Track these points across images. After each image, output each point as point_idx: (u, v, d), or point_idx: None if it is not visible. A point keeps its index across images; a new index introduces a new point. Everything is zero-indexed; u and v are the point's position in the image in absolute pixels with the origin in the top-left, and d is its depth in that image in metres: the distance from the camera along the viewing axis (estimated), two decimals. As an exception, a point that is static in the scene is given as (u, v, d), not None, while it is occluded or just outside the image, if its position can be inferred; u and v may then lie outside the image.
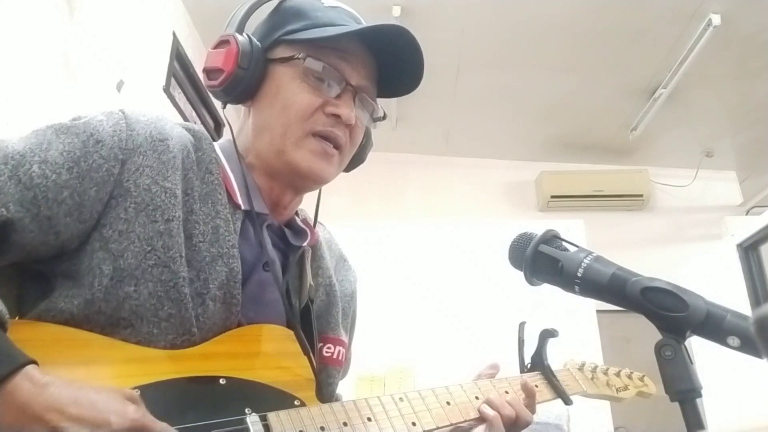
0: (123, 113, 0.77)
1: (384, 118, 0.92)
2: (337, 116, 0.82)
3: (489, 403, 0.88)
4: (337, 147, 0.84)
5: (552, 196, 4.20)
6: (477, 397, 0.89)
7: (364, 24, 0.88)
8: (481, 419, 0.88)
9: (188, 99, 3.13)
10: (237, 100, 0.86)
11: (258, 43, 0.84)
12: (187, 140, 0.81)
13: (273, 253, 0.84)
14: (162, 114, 0.82)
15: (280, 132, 0.82)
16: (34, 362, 0.57)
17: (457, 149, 4.29)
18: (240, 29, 0.84)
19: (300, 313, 0.87)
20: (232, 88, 0.83)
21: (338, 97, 0.83)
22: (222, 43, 0.84)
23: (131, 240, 0.70)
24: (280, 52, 0.85)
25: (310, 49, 0.83)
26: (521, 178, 4.34)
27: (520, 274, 0.79)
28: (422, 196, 4.22)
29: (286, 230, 0.88)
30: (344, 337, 0.93)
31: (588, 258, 0.73)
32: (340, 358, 0.91)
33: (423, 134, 4.12)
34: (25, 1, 1.88)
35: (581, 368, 1.10)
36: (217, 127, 3.44)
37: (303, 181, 0.86)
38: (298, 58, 0.82)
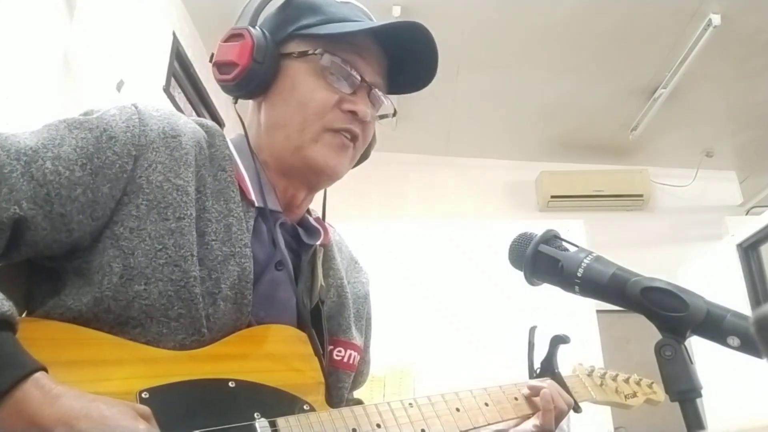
0: (136, 108, 0.76)
1: (394, 114, 0.92)
2: (353, 113, 0.82)
3: (543, 396, 0.92)
4: (352, 139, 0.85)
5: (552, 196, 4.20)
6: (486, 404, 0.89)
7: (375, 21, 0.88)
8: (526, 416, 0.92)
9: (188, 99, 3.13)
10: (250, 95, 0.85)
11: (271, 37, 0.83)
12: (201, 136, 0.80)
13: (286, 252, 0.83)
14: (174, 109, 0.81)
15: (297, 129, 0.82)
16: (44, 369, 0.56)
17: (457, 149, 4.29)
18: (253, 22, 0.83)
19: (310, 313, 0.86)
20: (246, 82, 0.82)
21: (353, 93, 0.83)
22: (235, 36, 0.83)
23: (142, 238, 0.69)
24: (295, 46, 0.84)
25: (327, 45, 0.82)
26: (521, 178, 4.34)
27: (520, 274, 0.79)
28: (422, 196, 4.22)
29: (299, 229, 0.87)
30: (357, 341, 0.91)
31: (588, 258, 0.73)
32: (351, 362, 0.89)
33: (423, 134, 4.12)
34: (25, 1, 1.88)
35: (590, 374, 1.09)
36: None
37: (317, 177, 0.85)
38: (314, 54, 0.82)
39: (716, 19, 2.94)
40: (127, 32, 2.47)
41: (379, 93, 0.87)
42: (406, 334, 3.63)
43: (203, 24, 3.20)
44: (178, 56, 2.97)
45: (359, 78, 0.83)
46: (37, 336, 0.61)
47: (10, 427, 0.53)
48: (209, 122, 0.85)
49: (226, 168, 0.80)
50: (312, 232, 0.89)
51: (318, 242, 0.88)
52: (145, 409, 0.59)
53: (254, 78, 0.82)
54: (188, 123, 0.80)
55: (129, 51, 2.47)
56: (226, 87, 0.84)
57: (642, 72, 3.45)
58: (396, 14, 2.98)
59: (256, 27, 0.83)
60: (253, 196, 0.80)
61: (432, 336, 3.62)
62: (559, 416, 0.93)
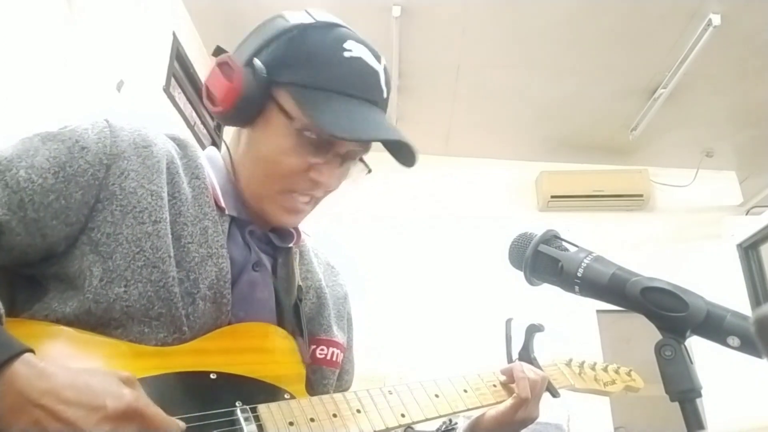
0: (107, 122, 0.78)
1: (369, 172, 0.89)
2: (317, 182, 0.81)
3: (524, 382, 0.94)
4: (309, 201, 0.85)
5: (552, 196, 4.20)
6: (465, 390, 0.91)
7: (381, 74, 0.83)
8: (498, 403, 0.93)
9: (188, 99, 3.13)
10: (232, 125, 0.86)
11: (265, 76, 0.79)
12: (171, 146, 0.83)
13: (261, 255, 0.85)
14: (146, 123, 0.83)
15: (260, 180, 0.83)
16: (31, 350, 0.58)
17: (457, 149, 4.29)
18: (249, 60, 0.79)
19: (290, 312, 0.88)
20: (225, 120, 0.83)
21: (324, 162, 0.81)
22: (227, 66, 0.80)
23: (119, 242, 0.71)
24: (283, 98, 0.79)
25: (309, 120, 0.77)
26: (521, 178, 4.34)
27: (520, 274, 0.79)
28: (422, 196, 4.22)
29: (271, 234, 0.89)
30: (339, 339, 0.94)
31: (588, 258, 0.73)
32: (335, 359, 0.91)
33: (423, 134, 4.12)
34: (25, 1, 1.88)
35: (569, 364, 1.13)
36: (217, 127, 3.44)
37: (272, 224, 0.88)
38: (297, 128, 0.78)
39: (716, 19, 2.93)
40: (127, 32, 2.47)
41: (354, 157, 0.85)
42: (406, 334, 3.64)
43: (203, 24, 3.20)
44: (178, 56, 2.97)
45: (333, 151, 0.81)
46: (21, 334, 0.62)
47: (1, 403, 0.55)
48: (179, 135, 0.88)
49: (199, 176, 0.82)
50: (284, 235, 0.91)
51: (290, 244, 0.90)
52: (129, 375, 0.61)
53: (233, 120, 0.83)
54: (159, 135, 0.83)
55: (129, 51, 2.47)
56: (209, 111, 0.85)
57: (642, 72, 3.45)
58: (396, 14, 2.98)
59: (253, 63, 0.79)
60: (223, 204, 0.83)
61: (432, 336, 3.62)
62: (533, 387, 0.95)
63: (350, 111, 0.78)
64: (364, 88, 0.81)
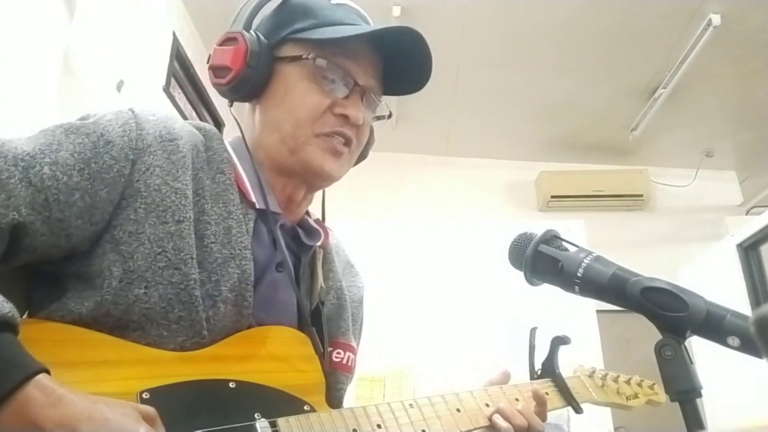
0: (132, 112, 0.76)
1: (389, 116, 0.92)
2: (345, 116, 0.82)
3: (500, 413, 0.86)
4: (346, 144, 0.84)
5: (552, 196, 4.20)
6: (487, 404, 0.88)
7: (371, 23, 0.88)
8: (492, 427, 0.86)
9: (188, 99, 3.13)
10: (244, 98, 0.86)
11: (265, 40, 0.83)
12: (198, 140, 0.80)
13: (286, 254, 0.83)
14: (171, 113, 0.82)
15: (290, 133, 0.82)
16: (46, 370, 0.56)
17: (457, 149, 4.29)
18: (247, 26, 0.83)
19: (310, 315, 0.86)
20: (240, 86, 0.82)
21: (346, 97, 0.83)
22: (229, 40, 0.83)
23: (141, 241, 0.69)
24: (288, 50, 0.83)
25: (319, 49, 0.82)
26: (521, 178, 4.34)
27: (520, 274, 0.79)
28: (422, 196, 4.22)
29: (299, 230, 0.87)
30: (354, 343, 0.92)
31: (588, 258, 0.73)
32: (349, 364, 0.89)
33: (423, 134, 4.12)
34: (25, 1, 1.88)
35: (591, 375, 1.08)
36: (217, 128, 3.44)
37: (314, 178, 0.85)
38: (306, 58, 0.82)
39: (716, 19, 2.93)
40: (127, 32, 2.47)
41: (373, 96, 0.87)
42: (406, 335, 3.63)
43: (203, 24, 3.20)
44: (178, 56, 2.97)
45: (352, 81, 0.83)
46: (38, 337, 0.61)
47: (11, 430, 0.53)
48: (206, 125, 0.85)
49: (225, 171, 0.80)
50: (311, 233, 0.89)
51: (318, 243, 0.88)
52: (150, 409, 0.59)
53: (248, 82, 0.82)
54: (185, 126, 0.80)
55: (129, 51, 2.47)
56: (220, 90, 0.85)
57: (642, 72, 3.45)
58: (396, 14, 2.98)
59: (251, 31, 0.83)
60: (253, 198, 0.81)
61: (431, 336, 3.62)
62: (529, 428, 0.87)
63: (352, 27, 0.84)
64: (359, 21, 0.87)
